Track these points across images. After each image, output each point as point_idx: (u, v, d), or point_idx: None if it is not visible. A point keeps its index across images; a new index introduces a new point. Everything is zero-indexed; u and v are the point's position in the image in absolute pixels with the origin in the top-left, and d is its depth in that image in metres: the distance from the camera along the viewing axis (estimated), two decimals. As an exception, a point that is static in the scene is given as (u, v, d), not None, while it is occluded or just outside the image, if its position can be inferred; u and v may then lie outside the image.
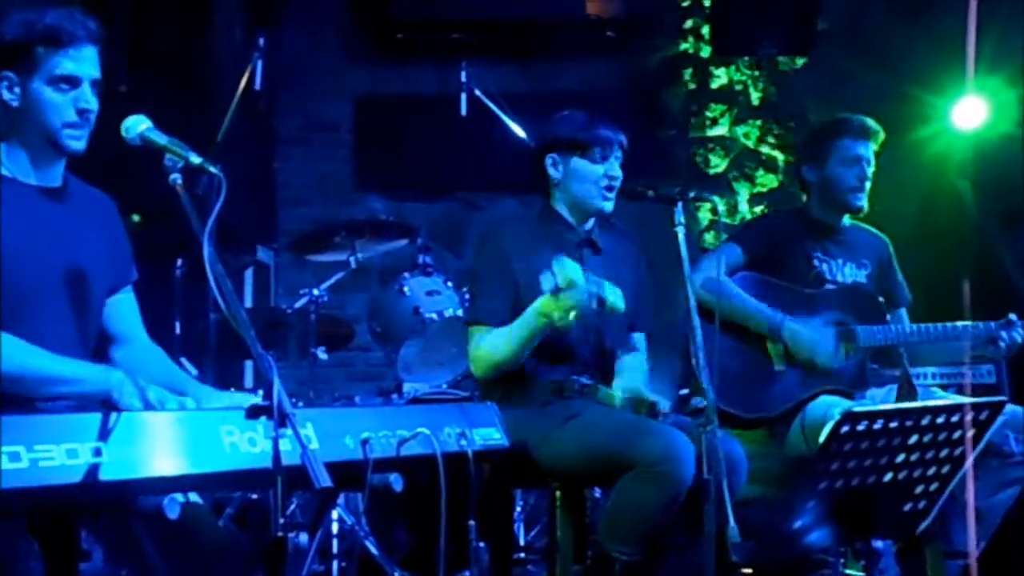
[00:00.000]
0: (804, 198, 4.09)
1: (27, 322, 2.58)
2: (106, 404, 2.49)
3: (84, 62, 2.67)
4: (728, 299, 3.77)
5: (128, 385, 2.52)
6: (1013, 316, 3.83)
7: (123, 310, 2.96)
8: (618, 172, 3.45)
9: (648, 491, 3.03)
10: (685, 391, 3.55)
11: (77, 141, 2.72)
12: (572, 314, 3.11)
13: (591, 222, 3.55)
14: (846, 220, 4.03)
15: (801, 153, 4.09)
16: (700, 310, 3.11)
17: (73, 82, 2.67)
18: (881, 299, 3.90)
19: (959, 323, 3.84)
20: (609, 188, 3.43)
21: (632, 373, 3.48)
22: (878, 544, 3.45)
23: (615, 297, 3.17)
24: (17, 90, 2.67)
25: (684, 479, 2.99)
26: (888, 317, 3.91)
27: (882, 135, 3.95)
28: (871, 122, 3.95)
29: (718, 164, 6.69)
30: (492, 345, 3.33)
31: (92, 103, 2.71)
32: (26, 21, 2.64)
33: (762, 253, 3.93)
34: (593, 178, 3.44)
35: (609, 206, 3.47)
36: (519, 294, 3.34)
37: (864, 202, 3.93)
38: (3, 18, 2.68)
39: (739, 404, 3.72)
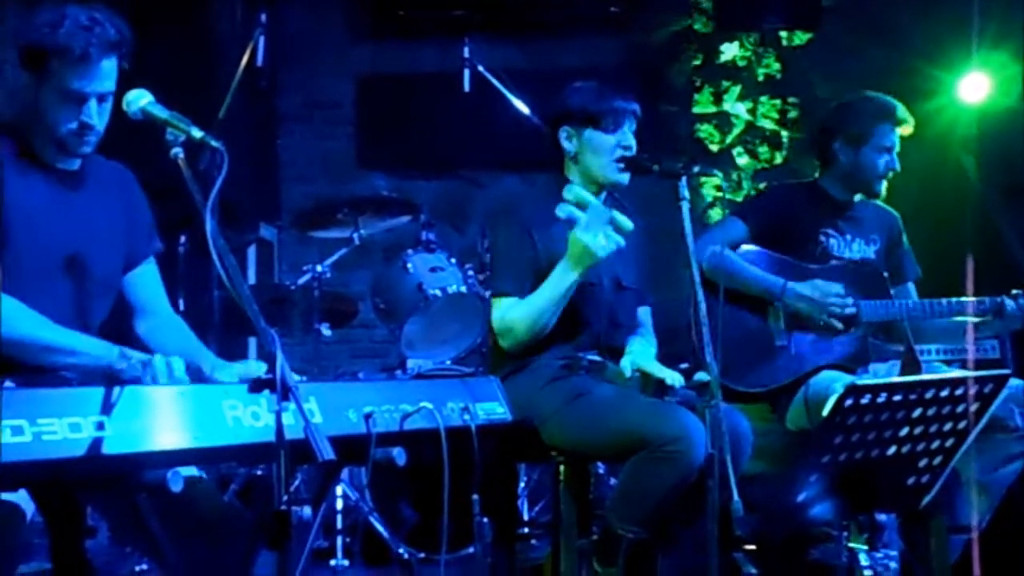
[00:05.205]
0: (817, 173, 4.04)
1: (24, 301, 2.57)
2: (109, 377, 2.50)
3: (93, 79, 2.66)
4: (730, 269, 3.73)
5: (121, 362, 2.53)
6: (1017, 292, 3.82)
7: (144, 281, 2.96)
8: (631, 141, 3.41)
9: (660, 471, 3.01)
10: (685, 365, 3.53)
11: (82, 146, 2.73)
12: (601, 238, 3.10)
13: (603, 195, 3.50)
14: (857, 195, 4.01)
15: (833, 128, 3.94)
16: (704, 284, 3.09)
17: (80, 98, 2.66)
18: (886, 275, 3.88)
19: (963, 298, 3.83)
20: (622, 159, 3.38)
21: (641, 349, 3.44)
22: (881, 518, 3.46)
23: (623, 219, 3.17)
24: (31, 89, 2.68)
25: (696, 459, 2.96)
26: (895, 292, 3.89)
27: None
28: (905, 110, 3.91)
29: (722, 140, 6.67)
30: (522, 312, 3.28)
31: (95, 119, 2.70)
32: (47, 25, 2.63)
33: (768, 227, 3.87)
34: (606, 148, 3.40)
35: (625, 178, 3.41)
36: (540, 266, 3.32)
37: (883, 190, 3.92)
38: (36, 9, 2.69)
39: (740, 378, 3.71)
